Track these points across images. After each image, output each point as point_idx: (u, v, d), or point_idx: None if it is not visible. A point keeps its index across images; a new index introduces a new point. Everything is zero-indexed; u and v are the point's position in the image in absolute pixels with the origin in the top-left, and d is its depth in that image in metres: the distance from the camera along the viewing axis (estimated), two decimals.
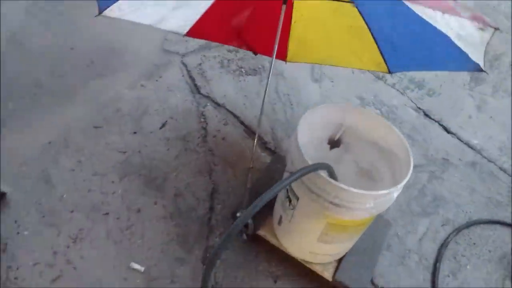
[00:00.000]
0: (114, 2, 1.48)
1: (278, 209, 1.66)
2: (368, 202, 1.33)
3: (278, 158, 2.02)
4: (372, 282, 1.80)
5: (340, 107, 1.57)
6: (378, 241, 1.81)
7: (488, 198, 2.32)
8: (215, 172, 2.03)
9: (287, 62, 2.18)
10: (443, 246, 2.05)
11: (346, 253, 1.70)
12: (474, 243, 2.11)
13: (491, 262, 2.06)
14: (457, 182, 2.35)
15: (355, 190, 1.27)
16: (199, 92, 2.37)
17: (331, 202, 1.33)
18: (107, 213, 1.78)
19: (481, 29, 1.35)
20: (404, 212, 2.13)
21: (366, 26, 1.78)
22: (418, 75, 2.89)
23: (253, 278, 1.73)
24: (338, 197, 1.31)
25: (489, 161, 2.51)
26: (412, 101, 2.71)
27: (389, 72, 1.94)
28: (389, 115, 2.58)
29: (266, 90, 1.72)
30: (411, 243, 2.02)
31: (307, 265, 1.69)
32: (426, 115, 2.66)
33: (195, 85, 2.40)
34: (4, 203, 1.73)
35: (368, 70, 2.71)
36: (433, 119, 2.65)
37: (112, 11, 1.51)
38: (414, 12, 1.44)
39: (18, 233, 1.66)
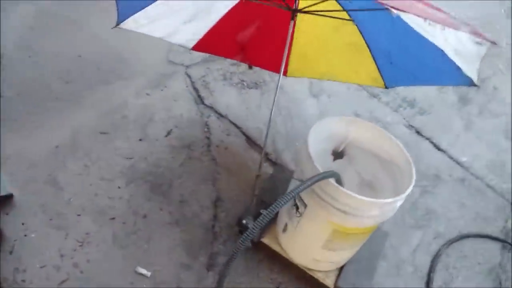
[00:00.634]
0: (134, 14, 1.55)
1: (283, 217, 1.72)
2: (374, 210, 1.40)
3: (280, 168, 2.09)
4: None
5: (346, 119, 1.65)
6: (376, 251, 1.88)
7: (476, 213, 2.43)
8: (219, 180, 2.08)
9: (287, 77, 2.26)
10: (436, 257, 2.13)
11: (347, 261, 1.77)
12: (465, 256, 2.20)
13: (481, 274, 2.15)
14: (447, 197, 2.45)
15: (363, 198, 1.34)
16: (203, 103, 2.43)
17: (338, 209, 1.40)
18: (113, 218, 1.80)
19: (479, 43, 1.43)
20: (398, 224, 2.21)
21: (365, 44, 1.88)
22: (410, 95, 3.02)
23: (255, 284, 1.77)
24: (346, 204, 1.38)
25: (477, 178, 2.63)
26: (404, 119, 2.83)
27: (385, 87, 2.04)
28: None
29: (273, 104, 1.79)
30: (405, 254, 2.10)
31: (309, 272, 1.74)
32: (417, 132, 2.78)
33: (199, 95, 2.46)
34: (11, 205, 1.73)
35: (365, 85, 2.81)
36: (424, 136, 2.77)
37: (127, 24, 1.58)
38: (412, 28, 1.53)
39: (25, 235, 1.67)
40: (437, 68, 1.70)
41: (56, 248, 1.66)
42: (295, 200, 1.59)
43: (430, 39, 1.53)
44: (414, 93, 3.02)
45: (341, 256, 1.69)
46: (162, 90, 2.40)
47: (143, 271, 1.67)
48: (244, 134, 2.36)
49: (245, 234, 1.16)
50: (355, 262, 1.77)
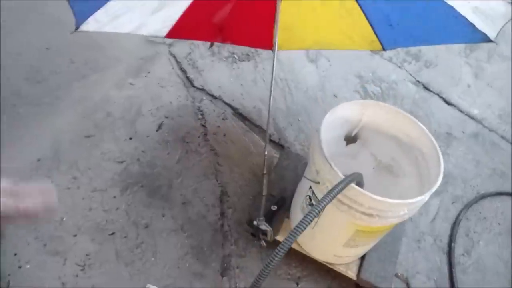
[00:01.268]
0: (92, 14, 1.32)
1: (297, 213, 1.59)
2: (402, 210, 1.26)
3: (285, 154, 1.92)
4: (396, 275, 1.78)
5: (360, 104, 1.46)
6: (397, 232, 1.78)
7: (492, 169, 2.32)
8: (221, 172, 1.92)
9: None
10: (455, 224, 2.05)
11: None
12: (484, 217, 2.12)
13: (501, 235, 2.08)
14: (462, 156, 2.33)
15: (392, 201, 1.19)
16: (192, 85, 2.21)
17: (363, 213, 1.26)
18: (113, 233, 1.66)
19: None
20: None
21: (358, 7, 1.68)
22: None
23: (274, 283, 1.68)
24: (371, 208, 1.23)
25: (490, 130, 2.50)
26: (410, 75, 2.63)
27: (383, 49, 1.86)
28: (389, 92, 2.50)
29: (270, 96, 1.59)
30: (424, 225, 2.01)
31: (330, 266, 1.64)
32: (425, 88, 2.60)
33: (187, 77, 2.23)
34: None
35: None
36: (432, 92, 2.59)
37: (88, 25, 1.37)
38: None
39: (19, 267, 1.52)
40: (445, 27, 1.52)
41: (55, 276, 1.53)
42: (310, 199, 1.45)
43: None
44: None
45: (364, 249, 1.58)
46: (145, 76, 2.16)
47: (154, 287, 1.56)
48: (241, 115, 2.16)
49: (271, 260, 1.03)
50: (378, 249, 1.67)
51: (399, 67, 2.64)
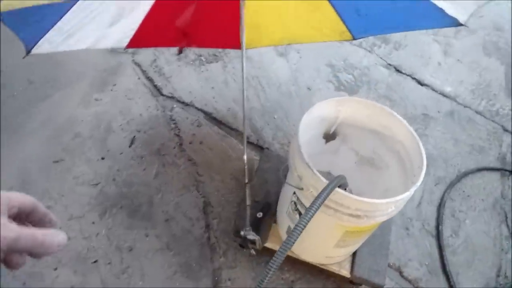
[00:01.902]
0: (42, 37, 1.22)
1: (284, 218, 1.55)
2: (390, 207, 1.24)
3: (266, 156, 1.88)
4: (388, 265, 1.77)
5: (335, 101, 1.42)
6: (386, 223, 1.76)
7: (471, 145, 2.33)
8: (202, 183, 1.87)
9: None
10: (441, 206, 2.05)
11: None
12: (468, 196, 2.13)
13: (486, 211, 2.10)
14: (440, 136, 2.33)
15: (378, 201, 1.17)
16: (161, 94, 2.12)
17: (350, 215, 1.23)
18: (96, 261, 1.58)
19: None
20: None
21: None
22: None
23: None
24: (359, 209, 1.20)
25: (465, 106, 2.51)
26: (381, 59, 2.60)
27: (354, 38, 1.83)
28: (362, 78, 2.47)
29: (244, 97, 1.54)
30: (411, 211, 2.01)
31: (322, 267, 1.62)
32: (397, 70, 2.58)
33: (155, 86, 2.14)
34: None
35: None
36: (405, 74, 2.58)
37: (41, 47, 1.27)
38: None
39: None
40: (415, 13, 1.50)
41: None
42: (296, 205, 1.41)
43: None
44: None
45: (355, 247, 1.56)
46: (111, 90, 2.06)
47: None
48: (216, 119, 2.10)
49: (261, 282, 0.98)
50: (368, 243, 1.65)
51: (369, 51, 2.62)
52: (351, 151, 1.64)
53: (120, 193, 1.76)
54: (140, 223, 1.70)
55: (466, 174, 2.22)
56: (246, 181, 1.52)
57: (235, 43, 1.95)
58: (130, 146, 1.90)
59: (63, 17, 1.29)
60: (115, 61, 2.16)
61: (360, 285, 1.64)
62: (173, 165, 1.88)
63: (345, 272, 1.61)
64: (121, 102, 2.03)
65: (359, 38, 1.89)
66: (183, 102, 2.11)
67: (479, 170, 2.26)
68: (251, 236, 1.52)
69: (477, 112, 2.50)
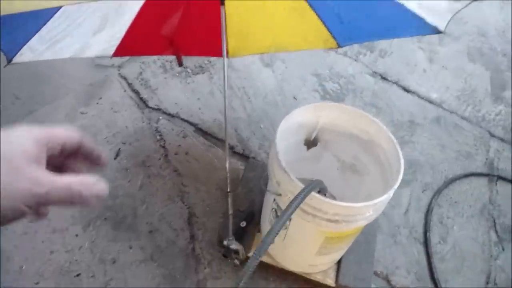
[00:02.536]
0: (23, 45, 1.23)
1: (267, 227, 1.54)
2: (368, 212, 1.24)
3: (250, 165, 1.88)
4: (375, 273, 1.76)
5: (313, 107, 1.43)
6: (371, 230, 1.76)
7: (457, 151, 2.34)
8: (187, 193, 1.86)
9: (229, 58, 2.03)
10: (428, 212, 2.05)
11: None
12: (455, 202, 2.13)
13: (474, 217, 2.09)
14: (427, 142, 2.34)
15: (356, 205, 1.17)
16: (147, 106, 2.13)
17: (329, 220, 1.23)
18: (78, 274, 1.57)
19: None
20: None
21: (308, 6, 1.67)
22: None
23: None
24: (337, 214, 1.20)
25: (451, 112, 2.53)
26: (367, 67, 2.63)
27: (339, 46, 1.85)
28: (348, 87, 2.49)
29: (225, 105, 1.55)
30: (398, 218, 2.00)
31: (307, 276, 1.60)
32: (383, 78, 2.60)
33: (141, 98, 2.15)
34: None
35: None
36: (390, 81, 2.60)
37: (23, 56, 1.27)
38: None
39: None
40: (396, 21, 1.53)
41: None
42: (276, 212, 1.41)
43: None
44: None
45: (339, 254, 1.56)
46: (97, 103, 2.07)
47: None
48: (202, 130, 2.10)
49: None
50: (353, 251, 1.65)
51: (355, 60, 2.64)
52: (333, 157, 1.64)
53: (104, 205, 1.76)
54: (124, 235, 1.69)
55: (453, 180, 2.22)
56: (228, 190, 1.53)
57: (221, 51, 1.98)
58: (115, 159, 1.90)
59: (46, 25, 1.30)
60: (102, 75, 2.18)
61: None
62: (158, 177, 1.88)
63: (330, 281, 1.60)
64: (107, 115, 2.04)
65: (344, 46, 1.92)
66: (169, 114, 2.12)
67: (466, 176, 2.27)
68: (234, 245, 1.52)
69: (463, 118, 2.52)
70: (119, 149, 1.93)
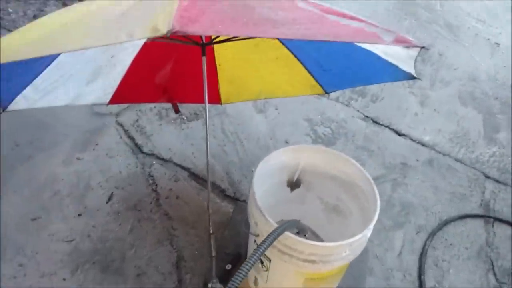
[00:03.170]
0: (18, 94, 1.33)
1: (251, 270, 1.54)
2: (344, 251, 1.24)
3: (240, 208, 1.90)
4: None
5: (293, 149, 1.48)
6: (361, 272, 1.74)
7: (451, 193, 2.33)
8: (176, 237, 1.88)
9: (223, 104, 2.12)
10: (423, 255, 2.02)
11: None
12: (451, 244, 2.10)
13: (470, 259, 2.05)
14: (420, 184, 2.35)
15: (330, 244, 1.18)
16: (141, 152, 2.20)
17: (305, 260, 1.23)
18: None
19: (407, 47, 1.33)
20: (377, 230, 2.07)
21: (291, 55, 1.77)
22: None
23: None
24: (312, 254, 1.21)
25: (444, 155, 2.54)
26: (358, 111, 2.70)
27: (325, 92, 1.93)
28: (340, 131, 2.54)
29: (207, 145, 1.62)
30: (391, 261, 1.97)
31: None
32: (375, 122, 2.66)
33: (136, 144, 2.23)
34: None
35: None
36: (382, 125, 2.65)
37: (17, 104, 1.36)
38: None
39: None
40: (372, 68, 1.61)
41: None
42: None
43: (359, 44, 1.40)
44: None
45: None
46: (93, 149, 2.15)
47: None
48: (194, 174, 2.15)
49: None
50: None
51: (347, 105, 2.72)
52: (317, 198, 1.66)
53: (94, 249, 1.78)
54: (111, 278, 1.70)
55: (448, 222, 2.20)
56: (211, 231, 1.55)
57: (215, 98, 2.08)
58: (107, 203, 1.94)
59: (40, 75, 1.40)
60: (99, 123, 2.28)
61: None
62: (148, 220, 1.91)
63: None
64: (102, 160, 2.11)
65: (331, 92, 2.00)
66: (162, 159, 2.19)
67: (462, 217, 2.24)
68: None
69: (457, 160, 2.53)
70: (112, 193, 1.98)
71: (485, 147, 2.65)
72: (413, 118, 2.73)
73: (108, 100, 1.82)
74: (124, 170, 2.09)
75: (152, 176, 2.10)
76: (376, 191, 1.35)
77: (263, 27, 0.99)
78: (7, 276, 1.66)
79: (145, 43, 1.61)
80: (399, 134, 2.61)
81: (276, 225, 1.18)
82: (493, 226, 2.24)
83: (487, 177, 2.48)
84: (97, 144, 2.18)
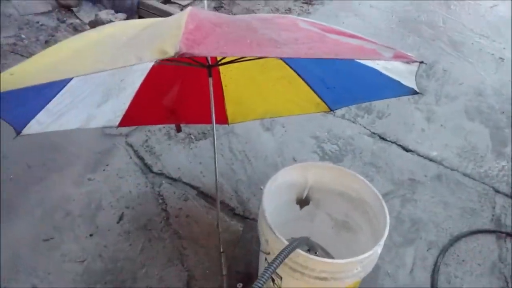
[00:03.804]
0: (31, 119, 1.37)
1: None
2: (355, 268, 1.24)
3: (249, 226, 1.91)
4: None
5: (300, 166, 1.50)
6: None
7: (462, 208, 2.32)
8: (186, 256, 1.88)
9: (229, 124, 2.15)
10: (435, 272, 1.99)
11: None
12: (463, 260, 2.08)
13: (484, 276, 2.02)
14: (429, 200, 2.34)
15: (341, 261, 1.18)
16: (151, 171, 2.23)
17: (317, 277, 1.23)
18: None
19: (406, 63, 1.36)
20: (387, 247, 2.06)
21: (295, 74, 1.81)
22: None
23: None
24: (324, 271, 1.21)
25: (452, 170, 2.54)
26: (365, 128, 2.71)
27: (331, 110, 1.95)
28: (347, 147, 2.56)
29: (216, 167, 1.64)
30: (403, 278, 1.95)
31: None
32: (382, 138, 2.67)
33: (146, 164, 2.26)
34: None
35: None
36: (389, 141, 2.66)
37: (31, 128, 1.41)
38: None
39: None
40: (375, 84, 1.64)
41: None
42: None
43: (359, 60, 1.43)
44: None
45: None
46: (104, 170, 2.19)
47: None
48: (203, 193, 2.17)
49: None
50: None
51: (353, 122, 2.74)
52: (326, 215, 1.67)
53: (105, 269, 1.79)
54: None
55: (459, 237, 2.18)
56: (221, 250, 1.56)
57: (222, 119, 2.11)
58: (118, 222, 1.96)
59: (53, 99, 1.45)
60: (109, 143, 2.32)
61: None
62: (159, 239, 1.92)
63: None
64: (112, 181, 2.14)
65: (336, 109, 2.03)
66: (171, 178, 2.21)
67: (473, 233, 2.22)
68: None
69: (465, 175, 2.52)
70: (122, 213, 2.00)
71: (494, 161, 2.64)
72: (420, 134, 2.74)
73: (118, 123, 1.86)
74: (134, 190, 2.12)
75: (162, 196, 2.12)
76: (385, 207, 1.35)
77: (266, 47, 1.02)
78: None
79: (153, 67, 1.65)
80: (407, 150, 2.61)
81: (287, 243, 1.19)
82: (505, 241, 2.21)
83: (497, 191, 2.46)
84: (107, 165, 2.22)
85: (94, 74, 1.47)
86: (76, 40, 1.24)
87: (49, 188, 2.06)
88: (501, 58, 3.57)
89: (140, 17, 3.46)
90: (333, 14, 3.94)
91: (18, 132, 1.41)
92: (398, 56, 1.13)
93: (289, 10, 3.94)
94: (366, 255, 1.20)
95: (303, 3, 4.07)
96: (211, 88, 1.58)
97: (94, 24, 3.26)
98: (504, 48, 3.71)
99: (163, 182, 2.19)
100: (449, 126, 2.83)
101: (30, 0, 3.40)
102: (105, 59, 1.00)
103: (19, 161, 2.09)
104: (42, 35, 3.12)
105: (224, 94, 1.98)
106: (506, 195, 2.45)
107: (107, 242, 1.89)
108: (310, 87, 1.87)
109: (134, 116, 1.88)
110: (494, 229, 2.26)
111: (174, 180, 2.20)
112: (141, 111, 1.91)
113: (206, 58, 1.62)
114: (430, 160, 2.57)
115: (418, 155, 2.60)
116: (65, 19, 3.39)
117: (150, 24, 1.19)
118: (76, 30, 3.25)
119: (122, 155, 2.27)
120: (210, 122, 2.06)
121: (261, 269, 1.52)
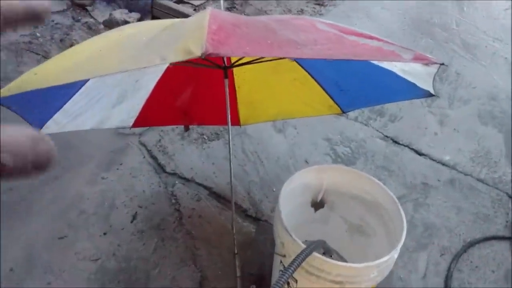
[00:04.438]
0: (49, 119, 1.39)
1: None
2: (372, 272, 1.24)
3: (262, 228, 1.91)
4: None
5: (316, 169, 1.49)
6: None
7: (475, 214, 2.30)
8: (199, 256, 1.89)
9: (241, 126, 2.16)
10: (448, 278, 1.98)
11: None
12: (476, 266, 2.06)
13: (497, 283, 2.01)
14: (442, 205, 2.32)
15: (358, 265, 1.18)
16: (164, 171, 2.24)
17: (332, 281, 1.23)
18: None
19: (426, 64, 1.35)
20: (400, 251, 2.04)
21: (308, 76, 1.81)
22: None
23: None
24: (340, 275, 1.21)
25: (466, 174, 2.52)
26: (377, 131, 2.70)
27: (343, 112, 1.95)
28: (359, 150, 2.55)
29: (231, 168, 1.64)
30: (415, 283, 1.94)
31: None
32: (394, 141, 2.66)
33: (159, 164, 2.27)
34: None
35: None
36: (402, 144, 2.64)
37: (48, 128, 1.42)
38: None
39: None
40: (390, 86, 1.63)
41: None
42: None
43: (376, 62, 1.43)
44: None
45: None
46: (117, 169, 2.20)
47: None
48: (215, 194, 2.17)
49: None
50: None
51: (365, 125, 2.73)
52: (340, 219, 1.66)
53: (118, 267, 1.80)
54: None
55: (472, 243, 2.16)
56: (236, 251, 1.56)
57: (234, 120, 2.11)
58: (131, 222, 1.97)
59: (70, 100, 1.47)
60: (123, 143, 2.34)
61: None
62: (172, 239, 1.93)
63: None
64: (126, 180, 2.16)
65: (348, 111, 2.02)
66: (184, 178, 2.22)
67: (487, 239, 2.20)
68: None
69: (479, 180, 2.50)
70: (136, 212, 2.01)
71: (508, 166, 2.61)
72: (433, 138, 2.72)
73: (131, 123, 1.87)
74: (148, 190, 2.13)
75: (175, 195, 2.13)
76: (402, 211, 1.35)
77: (287, 48, 1.03)
78: None
79: (167, 68, 1.66)
80: (419, 154, 2.60)
81: (303, 246, 1.19)
82: None
83: (511, 197, 2.44)
84: (121, 164, 2.23)
85: (111, 75, 1.49)
86: (97, 40, 1.25)
87: (63, 187, 2.07)
88: None
89: (153, 16, 3.48)
90: (345, 16, 3.93)
91: None
92: (418, 58, 1.12)
93: (301, 11, 3.93)
94: (383, 259, 1.20)
95: (315, 4, 4.07)
96: (227, 90, 1.59)
97: (108, 23, 3.28)
98: None
99: (176, 182, 2.19)
100: (462, 130, 2.81)
101: None
102: (129, 60, 1.00)
103: None
104: (57, 33, 3.15)
105: (237, 95, 1.98)
106: None
107: (121, 241, 1.90)
108: (324, 89, 1.87)
109: (147, 117, 1.90)
110: (509, 235, 2.24)
111: (187, 180, 2.21)
112: (154, 112, 1.92)
113: (223, 59, 1.62)
114: (443, 164, 2.56)
115: (431, 159, 2.58)
116: (79, 18, 3.41)
117: (169, 25, 1.20)
118: (91, 29, 3.28)
119: (136, 155, 2.28)
120: (222, 123, 2.07)
121: (275, 271, 1.52)
